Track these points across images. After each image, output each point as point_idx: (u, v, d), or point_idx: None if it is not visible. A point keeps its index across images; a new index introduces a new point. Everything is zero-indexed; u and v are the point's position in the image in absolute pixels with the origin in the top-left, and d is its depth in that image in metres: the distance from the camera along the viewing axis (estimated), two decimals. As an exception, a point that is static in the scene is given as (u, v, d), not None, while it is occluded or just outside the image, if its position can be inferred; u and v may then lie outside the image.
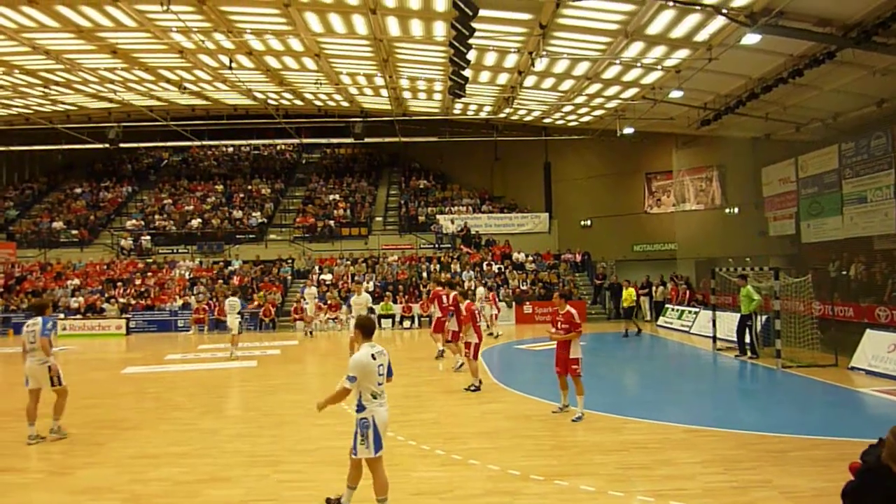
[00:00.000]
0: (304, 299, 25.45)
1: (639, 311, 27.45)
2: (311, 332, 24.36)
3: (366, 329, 5.98)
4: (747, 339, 15.97)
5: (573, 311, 9.69)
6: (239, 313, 18.54)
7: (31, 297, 28.19)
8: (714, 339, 17.81)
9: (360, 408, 5.73)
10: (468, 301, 13.13)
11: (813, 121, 23.04)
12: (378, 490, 5.77)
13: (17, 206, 35.91)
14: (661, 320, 25.00)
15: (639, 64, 19.59)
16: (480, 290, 24.92)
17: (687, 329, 22.43)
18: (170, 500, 6.53)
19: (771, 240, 26.48)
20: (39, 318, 9.21)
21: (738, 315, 16.12)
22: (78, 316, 27.09)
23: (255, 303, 27.30)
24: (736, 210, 29.22)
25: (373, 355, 5.78)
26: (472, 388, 12.07)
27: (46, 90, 25.36)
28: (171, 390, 13.30)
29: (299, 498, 6.55)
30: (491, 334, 21.44)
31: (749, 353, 15.74)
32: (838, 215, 22.36)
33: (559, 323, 9.72)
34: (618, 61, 19.41)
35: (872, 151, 20.86)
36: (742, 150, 27.28)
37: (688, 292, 26.13)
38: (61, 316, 26.95)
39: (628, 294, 22.22)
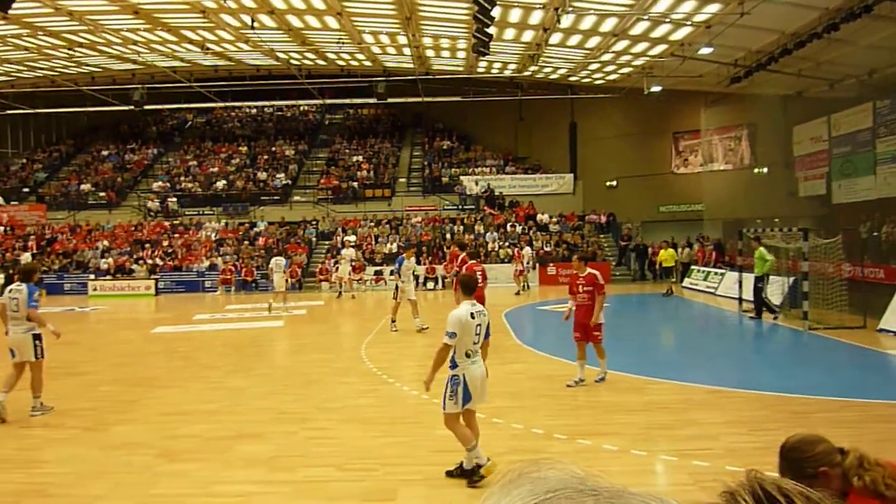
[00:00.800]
0: (340, 262, 25.75)
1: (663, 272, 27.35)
2: (345, 293, 24.71)
3: (467, 287, 6.02)
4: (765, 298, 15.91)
5: (595, 272, 9.26)
6: (284, 271, 20.04)
7: (62, 259, 28.80)
8: (740, 300, 17.65)
9: (453, 365, 5.80)
10: (472, 261, 12.89)
11: (847, 77, 22.35)
12: (463, 441, 5.82)
13: (45, 169, 36.41)
14: (686, 282, 24.83)
15: (668, 19, 19.07)
16: (527, 251, 25.18)
17: (713, 290, 22.27)
18: (201, 455, 6.70)
19: (800, 200, 25.96)
20: (24, 286, 8.34)
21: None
22: (108, 277, 27.62)
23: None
24: (765, 170, 28.64)
25: (472, 314, 5.79)
26: None
27: (71, 52, 25.44)
28: (200, 349, 13.56)
29: (327, 454, 6.68)
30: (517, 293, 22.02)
31: (773, 315, 15.61)
32: (871, 175, 21.80)
33: (581, 287, 9.16)
34: (646, 17, 18.90)
35: (909, 109, 20.24)
36: (773, 109, 26.59)
37: (714, 253, 25.85)
38: (91, 277, 27.52)
39: (669, 255, 22.76)
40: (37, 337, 8.35)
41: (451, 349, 5.76)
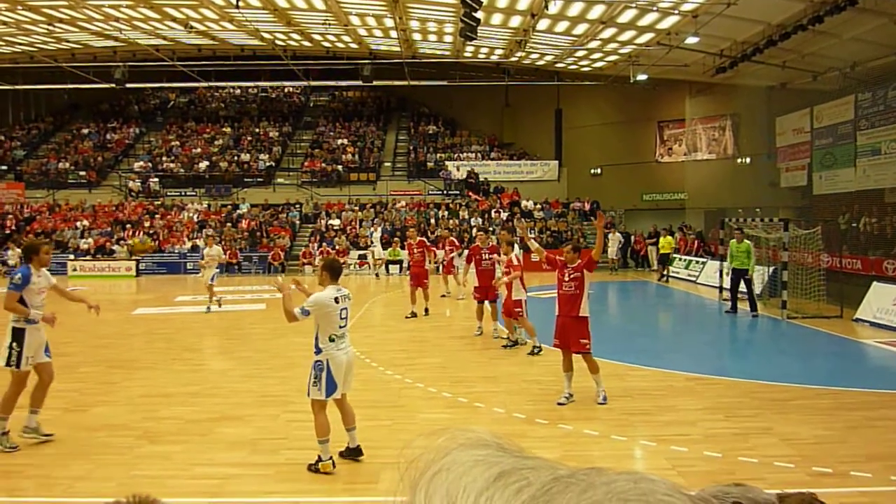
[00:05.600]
0: (372, 242, 27.00)
1: (645, 260, 27.59)
2: (377, 274, 25.95)
3: (333, 271, 6.00)
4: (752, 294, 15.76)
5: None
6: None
7: (42, 238, 28.40)
8: (720, 289, 17.79)
9: (317, 350, 5.77)
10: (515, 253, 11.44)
11: (830, 70, 22.52)
12: (318, 431, 5.74)
13: (24, 147, 35.81)
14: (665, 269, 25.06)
15: (655, 8, 19.09)
16: (618, 236, 25.43)
17: (693, 279, 22.48)
18: (182, 437, 6.70)
19: (782, 191, 26.23)
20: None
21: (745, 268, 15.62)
22: (87, 257, 27.32)
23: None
24: (748, 160, 28.86)
25: (336, 298, 5.79)
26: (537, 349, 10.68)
27: (50, 27, 24.96)
28: (181, 332, 13.49)
29: (308, 437, 6.66)
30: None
31: (735, 310, 15.46)
32: (851, 167, 22.04)
33: (568, 274, 8.00)
34: (634, 5, 18.91)
35: (889, 102, 20.42)
36: (756, 100, 26.77)
37: (696, 242, 26.09)
38: (71, 257, 27.19)
39: (666, 242, 23.66)
40: (15, 334, 6.46)
41: (295, 318, 5.70)
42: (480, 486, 0.54)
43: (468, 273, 13.83)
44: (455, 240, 18.15)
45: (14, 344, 6.36)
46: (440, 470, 0.57)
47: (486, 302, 12.31)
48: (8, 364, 6.35)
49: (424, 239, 16.31)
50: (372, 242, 27.09)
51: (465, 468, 0.56)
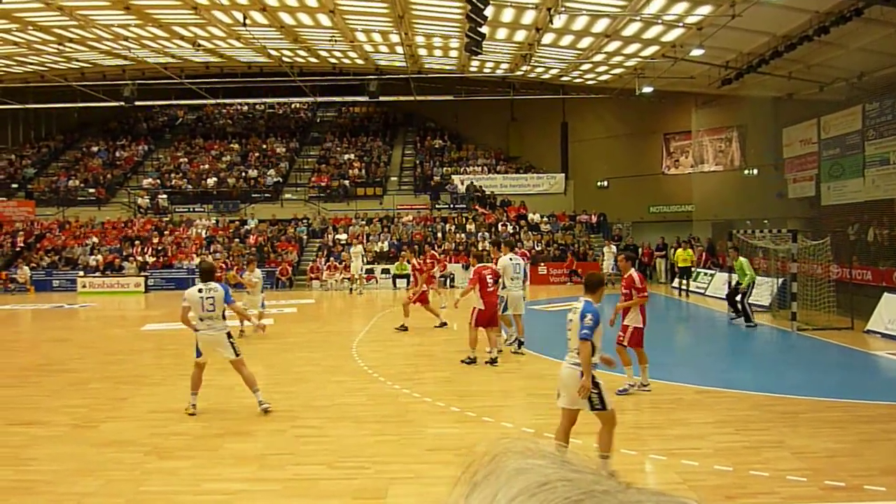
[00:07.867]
0: (351, 258, 26.21)
1: (654, 272, 27.47)
2: (360, 291, 25.32)
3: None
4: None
5: (634, 275, 8.90)
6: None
7: (51, 255, 28.55)
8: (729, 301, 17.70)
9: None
10: (480, 265, 11.93)
11: (837, 80, 22.49)
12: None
13: (34, 165, 36.12)
14: (675, 282, 24.91)
15: (659, 20, 19.14)
16: (612, 249, 24.43)
17: (702, 291, 22.37)
18: (190, 453, 6.69)
19: (790, 202, 26.12)
20: (216, 284, 8.32)
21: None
22: (97, 274, 27.46)
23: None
24: (755, 171, 28.79)
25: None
26: (467, 360, 10.93)
27: (61, 47, 25.25)
28: (190, 347, 13.40)
29: (315, 452, 6.68)
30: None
31: (751, 325, 15.33)
32: (860, 177, 21.96)
33: (622, 288, 9.05)
34: (638, 18, 18.97)
35: (897, 112, 20.39)
36: (763, 111, 26.74)
37: (704, 254, 25.94)
38: (81, 273, 27.32)
39: (688, 254, 22.80)
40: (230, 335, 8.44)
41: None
42: (513, 494, 0.54)
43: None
44: (436, 254, 18.40)
45: (233, 342, 8.38)
46: (487, 475, 0.57)
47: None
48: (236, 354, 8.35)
49: (414, 262, 16.64)
50: (352, 259, 26.21)
51: (509, 476, 0.56)
